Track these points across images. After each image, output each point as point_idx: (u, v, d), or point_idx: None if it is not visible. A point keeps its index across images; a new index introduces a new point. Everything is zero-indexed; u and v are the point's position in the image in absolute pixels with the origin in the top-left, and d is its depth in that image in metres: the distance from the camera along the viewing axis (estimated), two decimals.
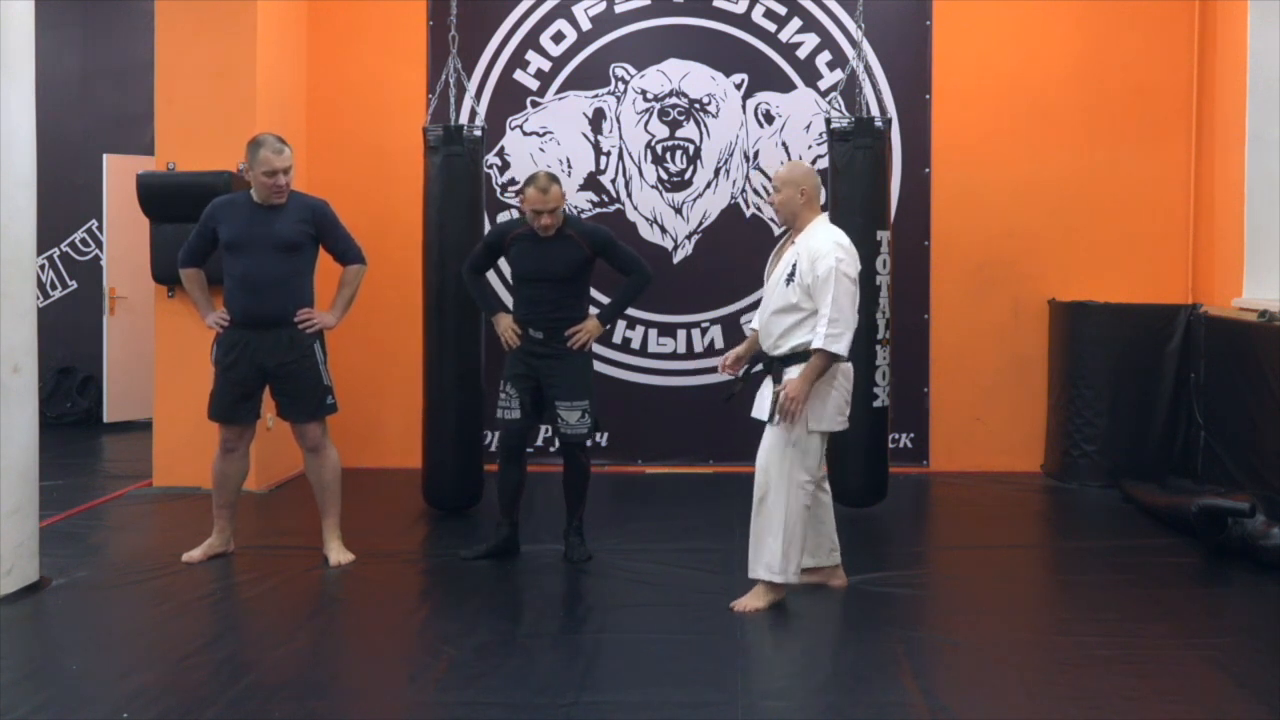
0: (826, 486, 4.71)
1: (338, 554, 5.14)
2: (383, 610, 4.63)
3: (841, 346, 4.34)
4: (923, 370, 7.12)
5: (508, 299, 5.70)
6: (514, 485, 5.23)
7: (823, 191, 4.68)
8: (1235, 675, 3.85)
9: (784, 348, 4.46)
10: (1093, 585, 4.89)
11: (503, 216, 7.09)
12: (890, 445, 6.20)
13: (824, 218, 4.60)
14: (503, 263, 5.39)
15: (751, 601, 4.48)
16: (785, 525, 4.39)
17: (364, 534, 5.44)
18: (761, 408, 4.51)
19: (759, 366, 4.62)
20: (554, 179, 5.02)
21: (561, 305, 5.11)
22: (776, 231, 6.70)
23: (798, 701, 3.71)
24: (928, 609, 4.64)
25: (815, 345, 4.33)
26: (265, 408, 5.22)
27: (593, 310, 5.26)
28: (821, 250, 4.39)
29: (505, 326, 5.18)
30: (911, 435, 7.14)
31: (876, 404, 5.90)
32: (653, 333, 7.24)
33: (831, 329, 4.32)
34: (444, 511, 6.05)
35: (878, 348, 5.90)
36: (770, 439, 4.46)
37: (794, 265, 4.45)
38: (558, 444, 5.36)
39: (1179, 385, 6.68)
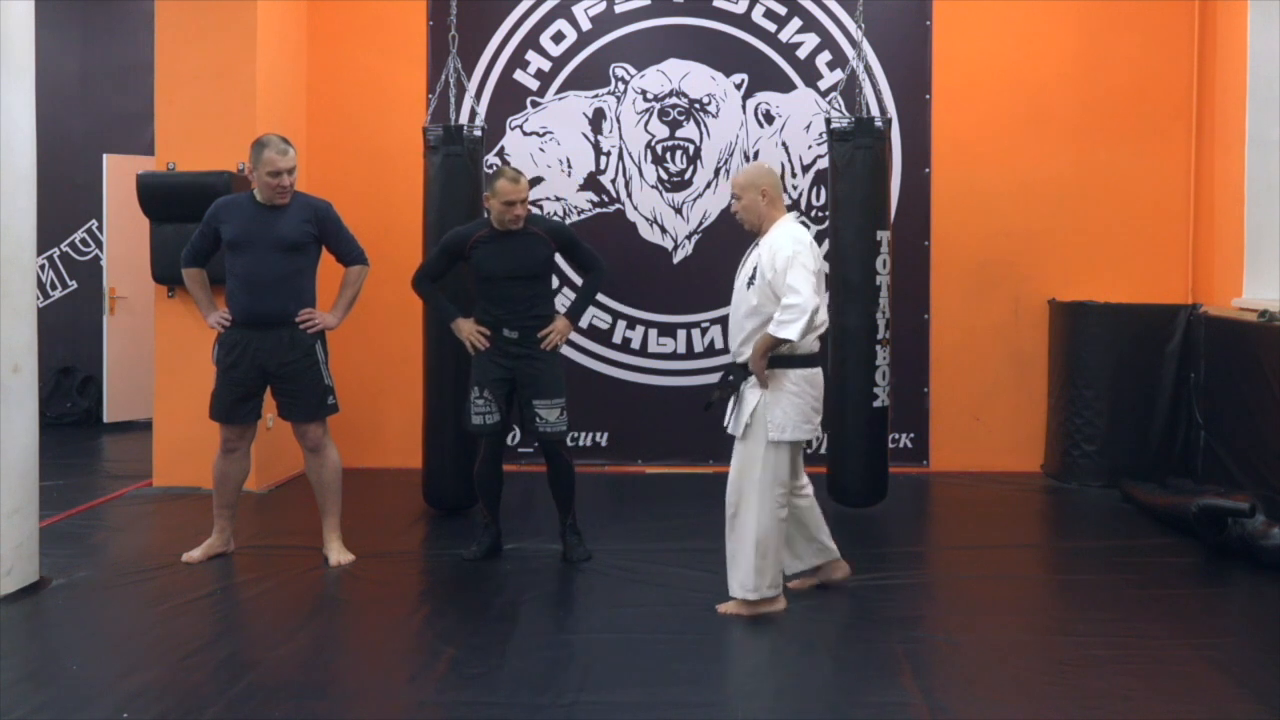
0: (806, 492, 4.66)
1: (338, 554, 5.14)
2: (383, 610, 4.63)
3: (791, 331, 4.17)
4: (923, 370, 7.12)
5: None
6: (499, 487, 5.28)
7: (783, 189, 4.59)
8: (1235, 675, 3.85)
9: (746, 354, 4.36)
10: (1093, 585, 4.89)
11: None
12: (890, 445, 6.19)
13: (788, 217, 4.49)
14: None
15: (734, 607, 4.44)
16: (757, 540, 4.32)
17: (364, 534, 5.44)
18: (733, 421, 4.42)
19: (733, 375, 4.47)
20: (519, 171, 5.18)
21: (534, 303, 5.14)
22: None
23: (798, 701, 3.71)
24: (928, 609, 4.63)
25: (768, 330, 4.23)
26: (266, 408, 5.22)
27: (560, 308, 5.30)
28: (779, 245, 4.31)
29: (469, 331, 5.16)
30: (911, 435, 7.14)
31: (876, 404, 5.89)
32: (653, 333, 7.24)
33: (785, 314, 4.19)
34: (444, 512, 6.06)
35: (878, 348, 5.89)
36: (738, 454, 4.39)
37: (755, 268, 4.37)
38: (536, 444, 5.36)
39: (1179, 385, 6.68)
